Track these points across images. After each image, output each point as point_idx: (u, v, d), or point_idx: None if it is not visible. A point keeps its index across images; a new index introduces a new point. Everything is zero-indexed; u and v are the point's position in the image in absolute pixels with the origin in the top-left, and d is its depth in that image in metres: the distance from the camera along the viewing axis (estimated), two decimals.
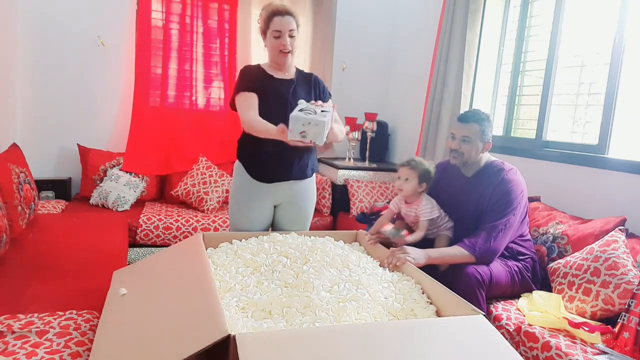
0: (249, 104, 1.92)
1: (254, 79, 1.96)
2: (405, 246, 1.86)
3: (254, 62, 2.08)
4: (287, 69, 2.02)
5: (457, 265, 1.89)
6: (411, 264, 1.72)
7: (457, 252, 1.94)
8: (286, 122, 1.78)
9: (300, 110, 1.72)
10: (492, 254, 1.94)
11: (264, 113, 1.90)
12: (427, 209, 2.05)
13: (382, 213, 3.25)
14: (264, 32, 1.96)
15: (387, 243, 2.05)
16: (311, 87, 2.06)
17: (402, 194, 2.09)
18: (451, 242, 2.09)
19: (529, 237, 2.13)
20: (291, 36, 1.93)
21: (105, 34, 3.59)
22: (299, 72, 2.09)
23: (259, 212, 2.00)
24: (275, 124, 1.81)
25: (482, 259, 1.92)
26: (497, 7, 3.18)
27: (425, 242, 2.15)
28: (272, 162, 1.95)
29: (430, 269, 1.97)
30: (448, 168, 2.21)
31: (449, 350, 1.12)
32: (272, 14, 1.90)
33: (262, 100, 1.94)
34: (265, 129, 1.84)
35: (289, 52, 1.94)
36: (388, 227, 2.04)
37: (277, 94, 1.95)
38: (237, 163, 2.03)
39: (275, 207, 2.05)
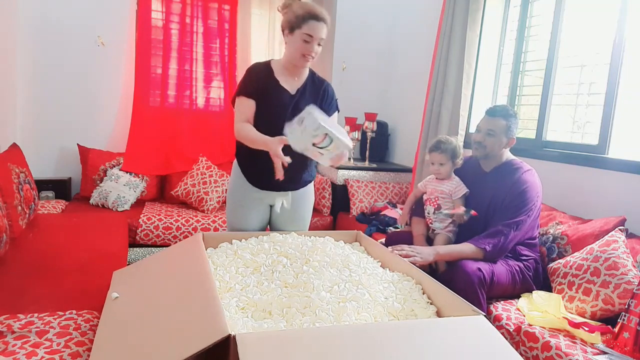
0: (243, 111, 1.87)
1: (257, 83, 1.87)
2: (414, 245, 1.88)
3: (253, 62, 2.02)
4: (297, 74, 1.92)
5: (459, 263, 1.89)
6: (419, 262, 1.74)
7: (465, 249, 1.95)
8: (282, 133, 1.77)
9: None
10: (501, 252, 1.95)
11: (261, 120, 1.87)
12: (459, 187, 2.15)
13: (382, 213, 3.27)
14: (291, 30, 1.81)
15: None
16: (318, 98, 1.93)
17: (439, 177, 2.18)
18: (452, 242, 2.10)
19: (537, 240, 2.13)
20: (319, 44, 1.83)
21: (105, 34, 3.59)
22: (312, 77, 1.96)
23: (255, 212, 1.99)
24: (271, 134, 1.77)
25: (490, 257, 1.93)
26: (497, 7, 3.18)
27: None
28: (266, 172, 1.88)
29: (429, 269, 1.98)
30: (468, 162, 2.23)
31: (449, 351, 1.12)
32: (310, 16, 1.77)
33: (261, 106, 1.87)
34: (256, 139, 1.79)
35: (311, 59, 1.84)
36: (459, 211, 2.09)
37: (278, 104, 1.87)
38: (235, 163, 2.01)
39: (271, 206, 2.04)
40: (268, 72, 1.90)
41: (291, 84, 1.91)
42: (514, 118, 2.08)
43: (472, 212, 2.04)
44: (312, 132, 1.56)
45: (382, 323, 1.30)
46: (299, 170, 1.94)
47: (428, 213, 2.21)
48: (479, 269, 1.84)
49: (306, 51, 1.80)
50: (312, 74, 1.98)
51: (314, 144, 1.59)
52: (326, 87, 1.97)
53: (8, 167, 2.37)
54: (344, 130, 1.68)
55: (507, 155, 2.14)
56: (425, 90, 3.49)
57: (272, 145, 1.72)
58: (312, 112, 1.58)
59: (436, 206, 2.17)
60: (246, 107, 1.87)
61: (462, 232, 2.12)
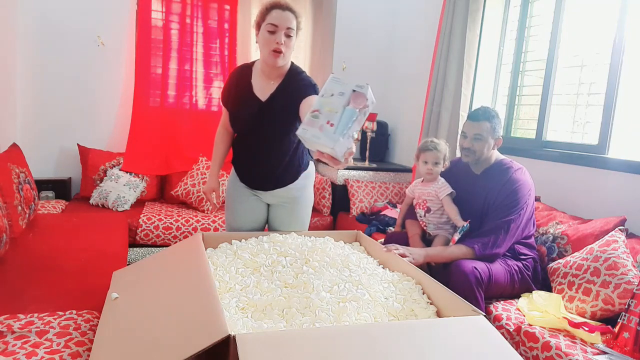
0: (223, 116, 1.98)
1: (231, 90, 1.88)
2: (406, 246, 1.88)
3: None
4: (275, 75, 1.81)
5: (456, 263, 1.90)
6: (410, 263, 1.73)
7: (455, 250, 1.95)
8: (252, 141, 1.86)
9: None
10: (495, 254, 1.94)
11: (236, 124, 1.91)
12: (444, 185, 2.18)
13: (382, 213, 3.27)
14: (258, 26, 1.74)
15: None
16: (293, 96, 1.76)
17: (431, 177, 2.20)
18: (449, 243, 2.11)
19: (533, 239, 2.13)
20: (288, 35, 1.70)
21: (105, 34, 3.59)
22: (289, 76, 1.81)
23: (248, 209, 1.99)
24: (245, 138, 1.90)
25: (482, 257, 1.93)
26: (497, 7, 3.18)
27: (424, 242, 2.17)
28: (250, 171, 1.95)
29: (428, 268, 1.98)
30: (458, 165, 2.24)
31: (449, 351, 1.12)
32: (272, 7, 1.70)
33: (233, 112, 1.89)
34: (212, 159, 2.04)
35: (281, 53, 1.70)
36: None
37: (246, 112, 1.83)
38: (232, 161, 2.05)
39: (269, 205, 2.02)
40: (246, 76, 1.86)
41: (264, 89, 1.82)
42: (497, 118, 2.08)
43: (465, 222, 2.07)
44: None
45: (382, 323, 1.30)
46: (283, 161, 1.89)
47: (420, 216, 2.24)
48: (475, 268, 1.85)
49: (272, 43, 1.68)
50: (290, 72, 1.82)
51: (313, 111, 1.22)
52: (301, 77, 1.81)
53: (8, 167, 2.37)
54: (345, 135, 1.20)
55: (497, 155, 2.15)
56: (425, 90, 3.50)
57: (206, 186, 2.04)
58: (324, 86, 1.24)
59: (425, 209, 2.20)
60: (223, 112, 1.98)
61: None
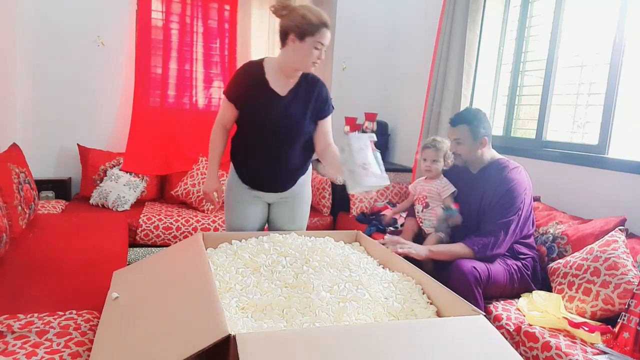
0: (223, 114, 1.94)
1: (243, 86, 1.86)
2: (409, 241, 1.91)
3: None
4: (294, 75, 1.89)
5: (455, 263, 1.90)
6: (412, 255, 1.75)
7: (457, 249, 1.97)
8: (266, 139, 1.85)
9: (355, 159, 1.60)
10: (493, 253, 1.95)
11: (250, 121, 1.88)
12: (447, 186, 2.19)
13: (382, 213, 3.27)
14: (302, 37, 1.76)
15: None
16: (312, 98, 1.89)
17: (430, 175, 2.23)
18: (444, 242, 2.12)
19: (533, 238, 2.14)
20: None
21: (105, 34, 3.59)
22: (305, 76, 1.91)
23: (251, 211, 1.99)
24: (262, 135, 1.86)
25: (481, 257, 1.93)
26: (497, 7, 3.18)
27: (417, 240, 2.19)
28: (254, 172, 1.95)
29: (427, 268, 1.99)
30: (456, 165, 2.25)
31: (449, 351, 1.12)
32: (322, 24, 1.76)
33: (248, 107, 1.86)
34: (210, 162, 2.02)
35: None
36: (439, 211, 2.15)
37: (266, 106, 1.84)
38: (231, 161, 2.03)
39: (269, 204, 2.04)
40: (259, 72, 1.87)
41: (283, 85, 1.87)
42: (476, 120, 2.07)
43: (455, 205, 2.09)
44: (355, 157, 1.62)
45: (382, 323, 1.30)
46: (290, 166, 1.93)
47: (417, 212, 2.25)
48: (474, 268, 1.85)
49: (315, 59, 1.80)
50: (305, 73, 1.92)
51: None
52: (320, 88, 1.92)
53: (8, 167, 2.38)
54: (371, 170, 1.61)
55: (492, 154, 2.15)
56: (425, 90, 3.50)
57: (207, 186, 2.00)
58: (350, 144, 1.63)
59: (424, 204, 2.21)
60: (226, 109, 1.93)
61: (456, 232, 2.13)
